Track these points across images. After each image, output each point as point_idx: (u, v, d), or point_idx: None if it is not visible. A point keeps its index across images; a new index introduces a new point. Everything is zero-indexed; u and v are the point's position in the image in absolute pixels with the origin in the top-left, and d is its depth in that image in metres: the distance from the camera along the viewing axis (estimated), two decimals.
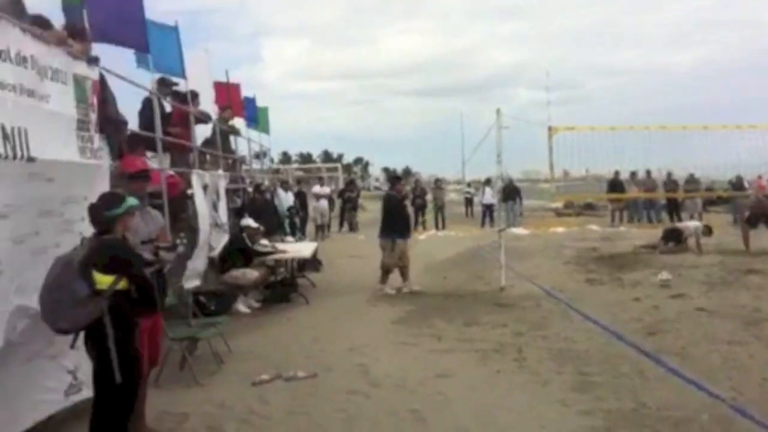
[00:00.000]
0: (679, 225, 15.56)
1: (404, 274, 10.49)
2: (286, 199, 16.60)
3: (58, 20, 5.33)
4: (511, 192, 22.70)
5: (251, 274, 9.15)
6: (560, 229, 21.16)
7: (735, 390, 5.32)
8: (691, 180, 22.69)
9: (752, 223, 14.21)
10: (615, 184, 23.06)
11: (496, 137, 10.59)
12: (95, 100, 5.02)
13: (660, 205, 23.45)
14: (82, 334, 3.81)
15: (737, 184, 21.50)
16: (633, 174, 23.24)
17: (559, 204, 29.37)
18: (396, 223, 10.49)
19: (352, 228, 22.76)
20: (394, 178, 12.07)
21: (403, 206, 11.13)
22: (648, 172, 23.24)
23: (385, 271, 10.40)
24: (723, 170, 20.61)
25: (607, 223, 23.02)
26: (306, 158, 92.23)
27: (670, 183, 22.83)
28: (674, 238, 14.51)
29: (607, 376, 5.84)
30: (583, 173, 23.54)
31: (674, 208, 22.55)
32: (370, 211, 26.41)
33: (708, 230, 14.73)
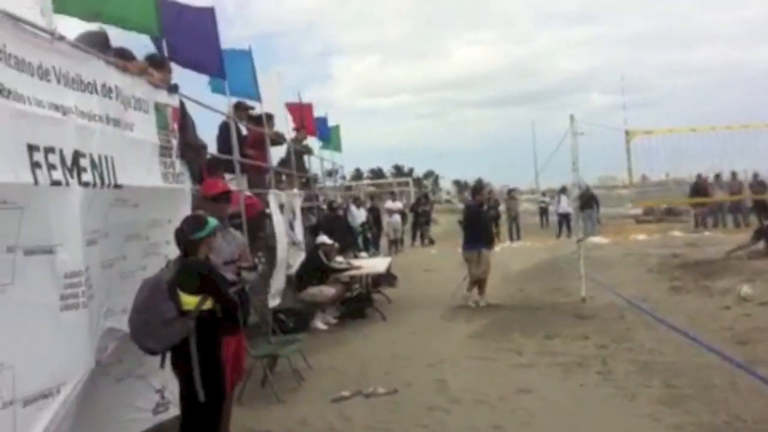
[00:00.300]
0: None
1: (482, 288, 10.38)
2: (358, 215, 16.78)
3: (139, 52, 5.57)
4: (588, 200, 22.10)
5: (328, 291, 9.25)
6: (641, 237, 20.45)
7: None
8: None
9: None
10: (698, 188, 22.13)
11: (571, 144, 10.38)
12: (176, 127, 5.21)
13: (747, 208, 22.36)
14: (169, 354, 3.94)
15: None
16: (717, 176, 22.28)
17: (638, 210, 28.48)
18: (480, 233, 10.43)
19: (428, 241, 22.78)
20: (474, 188, 12.01)
21: (486, 216, 11.05)
22: (733, 174, 22.26)
23: (474, 282, 10.32)
24: None
25: (690, 228, 22.12)
26: (377, 173, 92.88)
27: (757, 185, 21.72)
28: (765, 236, 13.78)
29: (697, 388, 5.60)
30: (663, 178, 22.65)
31: (762, 210, 21.42)
32: (442, 224, 26.33)
33: None
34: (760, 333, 7.28)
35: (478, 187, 11.83)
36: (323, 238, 10.12)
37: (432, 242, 22.84)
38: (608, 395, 5.63)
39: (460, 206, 25.37)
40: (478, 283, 10.33)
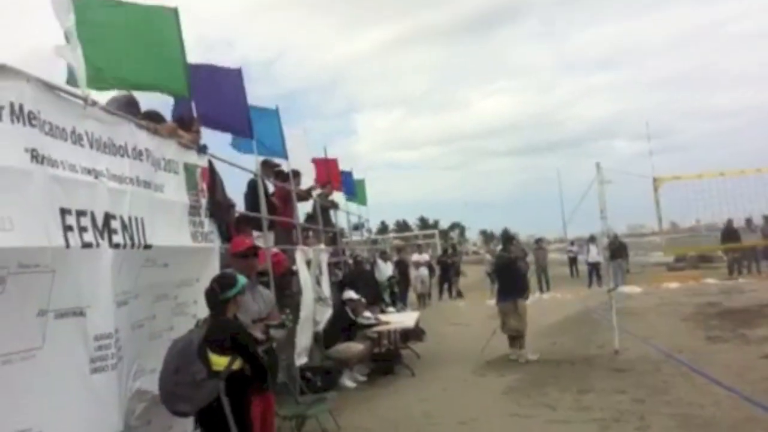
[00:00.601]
0: None
1: (521, 342, 10.16)
2: (385, 269, 16.73)
3: (165, 111, 5.70)
4: (618, 248, 21.82)
5: (356, 347, 9.16)
6: (674, 285, 20.06)
7: None
8: None
9: None
10: (730, 233, 21.74)
11: (598, 192, 10.30)
12: (205, 186, 5.28)
13: None
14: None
15: None
16: (748, 221, 21.88)
17: (670, 258, 28.01)
18: (514, 283, 10.30)
19: (457, 294, 22.65)
20: (506, 238, 11.94)
21: (518, 266, 10.95)
22: (765, 218, 21.86)
23: (515, 336, 10.13)
24: None
25: (724, 275, 21.67)
26: (402, 226, 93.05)
27: None
28: None
29: None
30: (693, 224, 22.34)
31: None
32: (469, 276, 26.12)
33: None
34: None
35: (510, 237, 11.74)
36: (350, 294, 10.08)
37: (461, 295, 22.67)
38: None
39: (488, 257, 25.25)
40: (518, 336, 10.13)
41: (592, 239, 23.49)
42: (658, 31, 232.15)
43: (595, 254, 22.53)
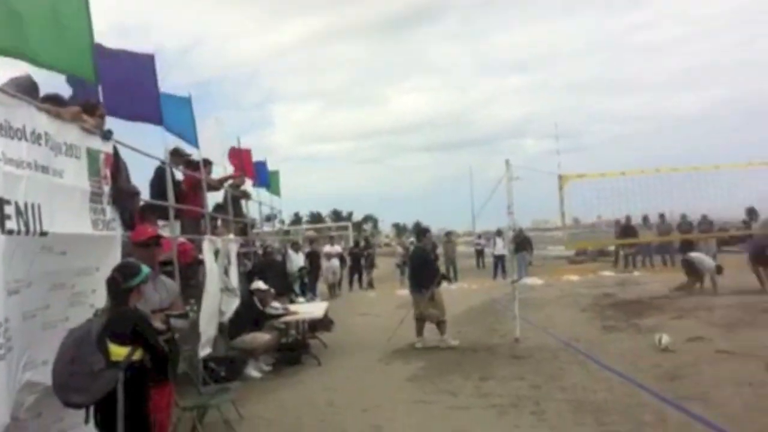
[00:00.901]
0: (693, 258, 15.31)
1: (443, 328, 10.44)
2: (296, 259, 16.69)
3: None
4: (522, 242, 22.65)
5: (262, 337, 9.12)
6: (574, 277, 21.05)
7: None
8: (704, 221, 22.52)
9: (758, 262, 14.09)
10: (627, 229, 22.97)
11: (507, 188, 10.64)
12: (108, 173, 5.12)
13: (674, 249, 23.27)
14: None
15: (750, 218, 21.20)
16: (645, 218, 23.17)
17: (571, 252, 29.25)
18: (429, 273, 10.51)
19: (369, 285, 22.92)
20: (420, 231, 12.15)
21: (432, 258, 11.20)
22: (661, 216, 23.14)
23: (440, 323, 10.39)
24: (735, 210, 20.56)
25: (620, 268, 22.92)
26: (316, 218, 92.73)
27: (685, 225, 22.65)
28: (692, 270, 14.75)
29: (628, 425, 5.74)
30: (594, 220, 23.39)
31: (689, 250, 22.27)
32: (380, 267, 26.43)
33: (719, 270, 14.62)
34: (687, 369, 7.57)
35: (424, 230, 11.97)
36: (258, 284, 10.00)
37: (372, 286, 22.96)
38: None
39: (399, 250, 25.61)
40: (439, 323, 10.41)
41: (498, 233, 24.20)
42: (570, 36, 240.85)
43: (501, 247, 23.27)
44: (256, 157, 15.28)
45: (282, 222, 24.87)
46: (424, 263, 10.75)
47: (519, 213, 12.45)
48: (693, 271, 14.84)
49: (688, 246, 22.14)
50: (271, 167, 17.28)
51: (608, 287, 17.16)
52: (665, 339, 8.72)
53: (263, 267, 11.90)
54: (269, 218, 20.57)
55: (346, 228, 53.15)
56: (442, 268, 23.56)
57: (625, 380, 7.35)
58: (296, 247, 18.66)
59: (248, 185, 13.62)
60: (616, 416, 6.01)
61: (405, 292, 18.21)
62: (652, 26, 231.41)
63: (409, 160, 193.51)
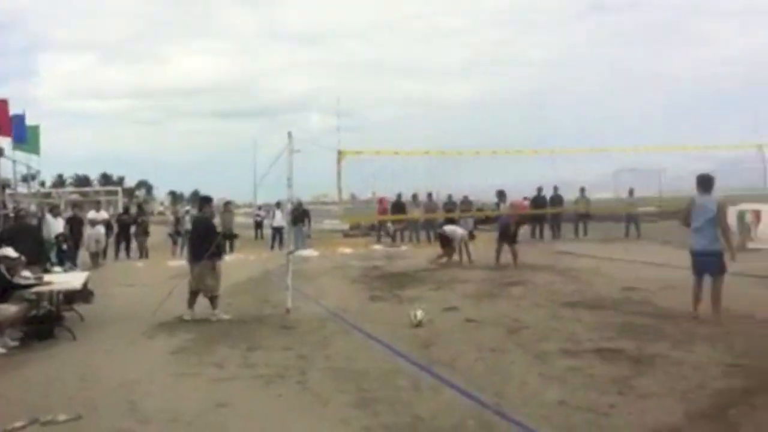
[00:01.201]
0: (446, 230, 17.01)
1: (215, 302, 10.15)
2: (54, 225, 15.30)
3: None
4: (300, 215, 22.93)
5: (7, 310, 8.20)
6: (348, 250, 21.79)
7: (498, 395, 5.74)
8: (465, 201, 24.67)
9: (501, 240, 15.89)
10: (397, 206, 24.35)
11: (287, 160, 10.60)
12: None
13: (438, 225, 25.10)
14: None
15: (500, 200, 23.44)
16: (414, 196, 24.68)
17: (346, 226, 30.22)
18: (211, 244, 10.10)
19: (144, 254, 21.74)
20: (202, 199, 11.55)
21: (214, 228, 10.78)
22: (429, 195, 24.80)
23: (213, 297, 10.12)
24: (491, 192, 22.80)
25: (389, 242, 24.24)
26: (83, 181, 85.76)
27: (450, 204, 24.56)
28: (446, 242, 16.32)
29: (385, 391, 6.02)
30: (369, 196, 24.48)
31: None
32: (153, 236, 25.15)
33: (471, 236, 16.79)
34: (441, 337, 8.14)
35: (207, 198, 11.44)
36: (7, 251, 8.99)
37: (146, 255, 21.85)
38: (304, 403, 5.79)
39: (171, 218, 24.61)
40: (212, 297, 10.12)
41: (278, 205, 24.25)
42: (359, 16, 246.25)
43: (279, 219, 23.35)
44: (13, 110, 13.83)
45: (42, 184, 22.60)
46: (207, 233, 10.36)
47: (300, 186, 12.57)
48: (447, 242, 16.37)
49: (450, 223, 24.23)
50: (31, 122, 15.69)
51: (377, 260, 18.03)
52: (420, 314, 8.94)
53: (14, 232, 10.79)
54: (26, 179, 18.68)
55: (115, 193, 49.84)
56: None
57: (386, 348, 7.72)
58: (55, 211, 17.12)
59: (3, 141, 12.24)
60: (375, 382, 6.29)
61: (176, 263, 17.75)
62: (431, 16, 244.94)
63: (191, 125, 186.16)
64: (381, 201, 25.90)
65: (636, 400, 5.47)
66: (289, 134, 10.60)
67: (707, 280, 8.70)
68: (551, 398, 5.61)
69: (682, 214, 9.18)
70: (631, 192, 24.23)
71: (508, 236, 15.72)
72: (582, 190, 24.74)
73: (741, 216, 18.16)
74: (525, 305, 10.21)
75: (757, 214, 17.73)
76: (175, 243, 22.75)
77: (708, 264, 8.66)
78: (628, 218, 24.01)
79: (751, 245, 17.27)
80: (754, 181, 14.33)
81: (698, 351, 6.98)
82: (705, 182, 8.91)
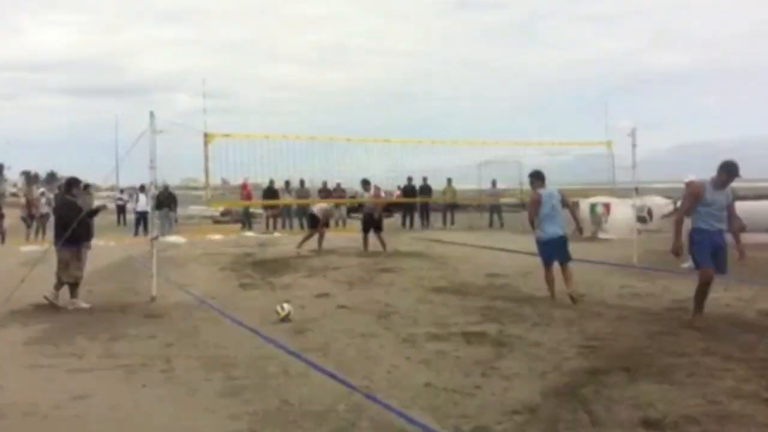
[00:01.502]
0: (314, 209, 17.43)
1: (75, 290, 9.66)
2: None
3: None
4: (166, 199, 22.19)
5: None
6: (218, 236, 21.30)
7: (367, 379, 5.86)
8: (338, 189, 24.81)
9: (366, 228, 16.34)
10: (270, 192, 24.12)
11: (150, 142, 10.18)
12: None
13: (310, 212, 25.14)
14: None
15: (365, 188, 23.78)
16: (287, 183, 24.52)
17: (216, 212, 29.52)
18: (80, 229, 9.48)
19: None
20: (69, 181, 10.77)
21: (81, 211, 10.13)
22: (301, 181, 24.74)
23: (75, 284, 9.64)
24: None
25: (262, 229, 23.95)
26: None
27: (324, 191, 24.66)
28: (314, 221, 16.96)
29: (254, 378, 5.99)
30: (241, 181, 24.03)
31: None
32: (6, 220, 23.42)
33: (379, 227, 16.70)
34: (313, 323, 8.16)
35: (76, 181, 10.70)
36: None
37: (3, 240, 20.38)
38: (170, 393, 5.64)
39: (22, 201, 23.14)
40: (75, 284, 9.66)
41: (142, 188, 23.30)
42: None
43: (143, 203, 22.47)
44: None
45: None
46: (76, 217, 9.74)
47: (168, 170, 12.10)
48: (315, 222, 16.83)
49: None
50: None
51: (249, 247, 17.77)
52: (287, 307, 8.46)
53: None
54: None
55: None
56: None
57: (255, 334, 7.67)
58: None
59: None
60: (244, 370, 6.23)
61: (30, 248, 16.61)
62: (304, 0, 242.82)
63: (47, 101, 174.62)
64: (245, 186, 25.50)
65: (499, 381, 5.76)
66: (151, 114, 10.19)
67: (556, 264, 9.34)
68: (419, 380, 5.79)
69: (530, 210, 9.78)
70: (494, 183, 25.34)
71: (373, 224, 16.10)
72: (449, 180, 25.64)
73: (593, 208, 19.55)
74: (395, 291, 10.46)
75: (608, 207, 19.11)
76: (29, 227, 21.37)
77: (559, 248, 9.31)
78: (491, 208, 25.18)
79: (602, 235, 18.68)
80: (604, 177, 15.48)
81: (554, 333, 7.46)
82: (541, 175, 9.70)
